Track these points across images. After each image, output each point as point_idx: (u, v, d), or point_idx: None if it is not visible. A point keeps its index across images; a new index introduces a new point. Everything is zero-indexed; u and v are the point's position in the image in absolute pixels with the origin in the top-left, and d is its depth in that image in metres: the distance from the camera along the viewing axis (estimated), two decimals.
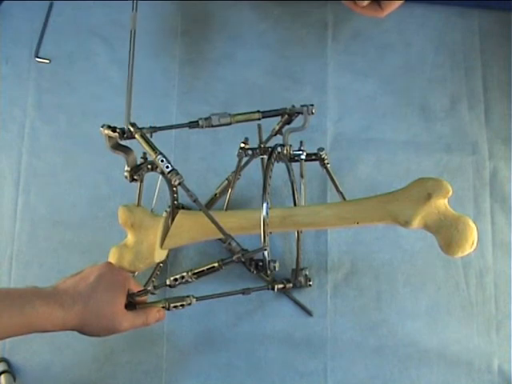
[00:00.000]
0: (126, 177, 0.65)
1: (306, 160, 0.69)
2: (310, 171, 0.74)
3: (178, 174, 0.55)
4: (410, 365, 0.74)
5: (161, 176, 0.69)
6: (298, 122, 0.66)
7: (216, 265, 0.55)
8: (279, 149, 0.64)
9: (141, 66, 0.84)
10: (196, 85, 0.83)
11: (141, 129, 0.59)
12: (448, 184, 0.58)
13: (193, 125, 0.63)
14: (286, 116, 0.65)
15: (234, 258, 0.54)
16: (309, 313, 0.75)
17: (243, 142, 0.69)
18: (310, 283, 0.75)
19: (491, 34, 0.86)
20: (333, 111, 0.83)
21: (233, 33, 0.85)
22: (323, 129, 0.82)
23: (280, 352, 0.74)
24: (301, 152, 0.69)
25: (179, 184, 0.55)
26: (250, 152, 0.69)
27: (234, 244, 0.54)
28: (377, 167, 0.81)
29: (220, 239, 0.72)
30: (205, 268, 0.55)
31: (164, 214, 0.70)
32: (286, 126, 0.67)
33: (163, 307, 0.59)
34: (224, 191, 0.74)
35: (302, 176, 0.72)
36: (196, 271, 0.56)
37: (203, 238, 0.67)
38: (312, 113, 0.64)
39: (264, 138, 0.70)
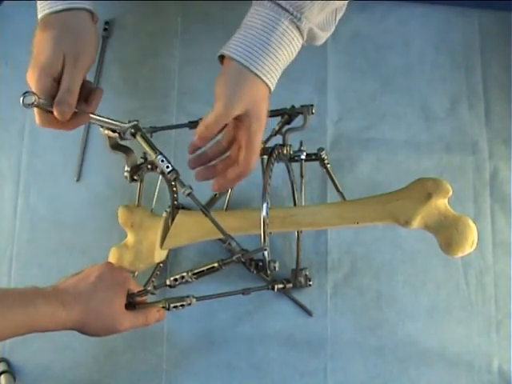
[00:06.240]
0: (125, 177, 0.65)
1: (305, 160, 0.69)
2: (309, 171, 0.74)
3: (177, 173, 0.55)
4: (410, 365, 0.74)
5: (161, 176, 0.69)
6: (298, 122, 0.66)
7: (216, 265, 0.55)
8: (279, 149, 0.64)
9: (141, 66, 0.84)
10: (196, 85, 0.83)
11: (141, 129, 0.59)
12: (448, 184, 0.58)
13: (193, 125, 0.63)
14: (286, 116, 0.65)
15: (234, 258, 0.54)
16: (309, 313, 0.75)
17: None
18: (310, 283, 0.75)
19: (491, 33, 0.86)
20: (333, 111, 0.83)
21: (233, 33, 0.85)
22: (323, 129, 0.82)
23: (280, 352, 0.74)
24: (301, 152, 0.69)
25: (184, 187, 0.55)
26: None
27: (233, 244, 0.54)
28: (377, 167, 0.81)
29: (220, 239, 0.72)
30: (205, 268, 0.55)
31: (164, 214, 0.70)
32: (286, 126, 0.67)
33: (163, 307, 0.59)
34: (224, 191, 0.74)
35: (301, 176, 0.72)
36: (196, 271, 0.56)
37: (203, 238, 0.67)
38: (312, 113, 0.64)
39: (264, 138, 0.70)
